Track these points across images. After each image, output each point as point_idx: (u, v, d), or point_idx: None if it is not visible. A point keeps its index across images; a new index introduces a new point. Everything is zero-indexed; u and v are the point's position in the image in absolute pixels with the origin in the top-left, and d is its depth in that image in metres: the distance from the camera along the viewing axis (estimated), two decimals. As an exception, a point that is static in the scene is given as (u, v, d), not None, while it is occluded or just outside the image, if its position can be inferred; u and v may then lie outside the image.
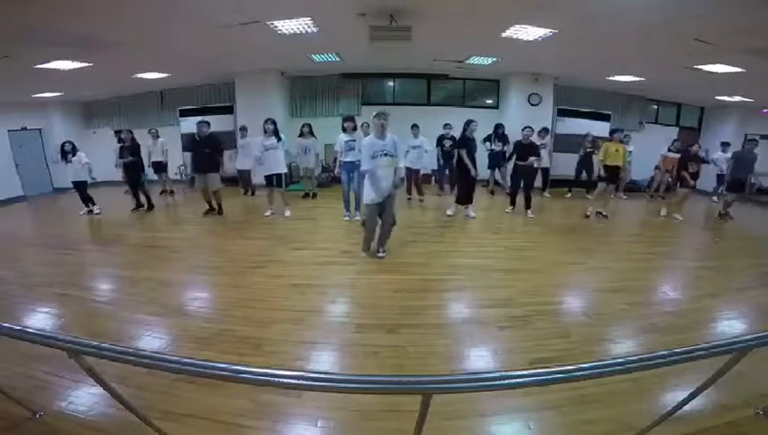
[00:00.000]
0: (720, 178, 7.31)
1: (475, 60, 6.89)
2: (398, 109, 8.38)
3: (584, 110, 8.26)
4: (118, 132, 7.77)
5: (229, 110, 8.27)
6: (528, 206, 5.97)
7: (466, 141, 5.45)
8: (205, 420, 1.83)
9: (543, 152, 7.43)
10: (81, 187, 6.23)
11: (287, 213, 5.82)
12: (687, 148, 6.08)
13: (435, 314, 2.92)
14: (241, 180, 7.85)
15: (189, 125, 7.84)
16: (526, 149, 5.81)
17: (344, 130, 5.28)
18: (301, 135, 6.58)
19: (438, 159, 7.17)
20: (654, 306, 3.11)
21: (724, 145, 7.38)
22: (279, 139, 5.53)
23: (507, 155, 6.64)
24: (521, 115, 7.64)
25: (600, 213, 5.86)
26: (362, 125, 5.92)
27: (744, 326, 2.83)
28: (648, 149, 7.97)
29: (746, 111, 8.36)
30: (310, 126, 6.58)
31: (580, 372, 1.08)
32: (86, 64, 5.64)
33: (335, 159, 5.54)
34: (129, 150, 6.26)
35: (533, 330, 2.68)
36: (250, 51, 5.97)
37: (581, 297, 3.34)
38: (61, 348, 1.22)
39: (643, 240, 5.15)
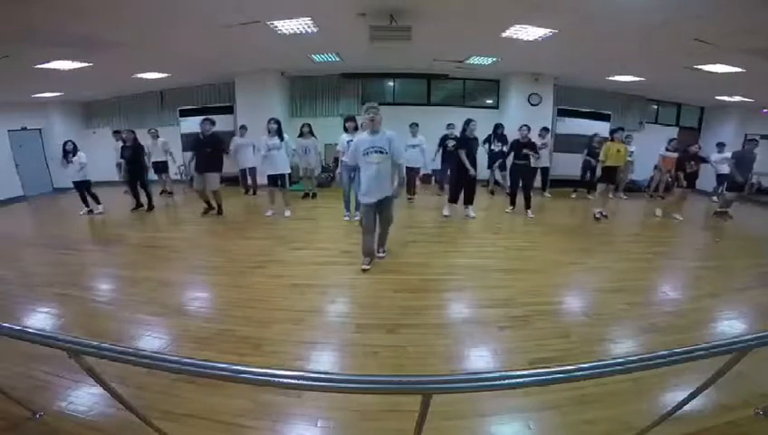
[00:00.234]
0: (720, 178, 7.30)
1: (475, 60, 6.89)
2: (398, 109, 8.39)
3: (584, 110, 8.26)
4: (117, 132, 7.79)
5: (229, 110, 8.27)
6: (528, 206, 5.97)
7: (466, 141, 5.45)
8: (205, 420, 1.83)
9: (544, 152, 7.46)
10: (82, 186, 6.24)
11: (287, 213, 5.82)
12: (686, 147, 6.08)
13: (435, 314, 2.92)
14: (241, 180, 7.87)
15: (189, 125, 7.87)
16: (524, 147, 5.83)
17: (346, 130, 5.27)
18: (301, 135, 6.58)
19: (441, 159, 7.16)
20: (654, 306, 3.11)
21: (720, 146, 7.39)
22: (282, 139, 5.53)
23: (506, 154, 6.63)
24: (521, 115, 7.63)
25: (601, 213, 5.86)
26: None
27: (744, 326, 2.83)
28: (648, 150, 7.97)
29: (746, 111, 8.36)
30: (310, 126, 6.58)
31: (580, 372, 1.08)
32: (86, 64, 5.64)
33: (335, 158, 5.53)
34: (132, 150, 6.25)
35: (533, 330, 2.68)
36: (250, 51, 5.97)
37: (581, 297, 3.34)
38: (61, 348, 1.22)
39: (643, 240, 5.15)
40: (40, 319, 2.91)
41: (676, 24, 3.96)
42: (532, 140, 6.03)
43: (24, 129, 8.54)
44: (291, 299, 3.15)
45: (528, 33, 4.91)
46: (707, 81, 6.28)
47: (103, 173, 7.46)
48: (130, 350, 1.22)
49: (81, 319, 2.91)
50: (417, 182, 7.18)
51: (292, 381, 1.07)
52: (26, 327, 1.43)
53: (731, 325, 2.84)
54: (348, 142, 5.22)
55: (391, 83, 8.90)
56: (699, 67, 5.59)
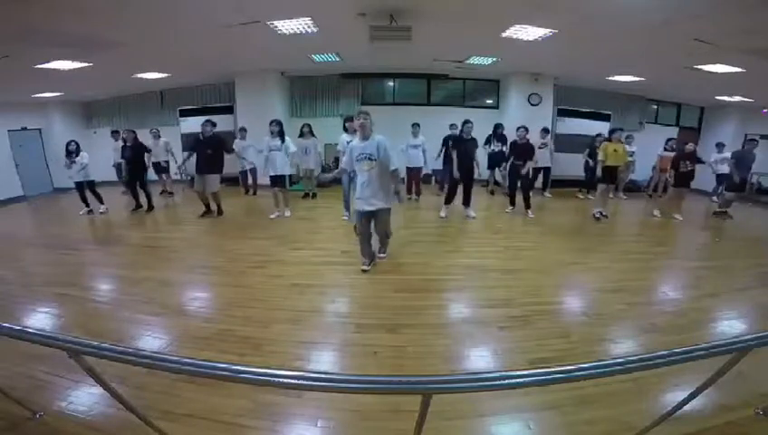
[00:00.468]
0: (720, 178, 7.30)
1: (475, 60, 6.89)
2: (398, 109, 8.41)
3: (584, 110, 8.27)
4: (115, 132, 7.79)
5: (229, 110, 8.28)
6: (527, 206, 5.97)
7: (460, 142, 5.48)
8: (205, 420, 1.83)
9: (545, 151, 7.46)
10: (84, 186, 6.23)
11: (287, 213, 5.83)
12: (682, 146, 6.10)
13: (435, 314, 2.92)
14: (241, 180, 7.87)
15: (189, 125, 7.88)
16: (521, 148, 5.86)
17: (346, 130, 5.27)
18: (301, 135, 6.58)
19: (443, 160, 7.15)
20: (654, 306, 3.11)
21: (720, 146, 7.39)
22: (283, 141, 5.53)
23: (506, 156, 6.63)
24: (521, 115, 7.63)
25: (601, 213, 5.86)
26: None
27: (744, 326, 2.82)
28: (647, 150, 7.97)
29: (746, 111, 8.36)
30: (310, 126, 6.59)
31: (580, 372, 1.08)
32: (86, 64, 5.64)
33: (335, 158, 5.53)
34: (132, 150, 6.25)
35: (533, 330, 2.68)
36: (250, 51, 5.97)
37: (581, 297, 3.33)
38: (61, 348, 1.22)
39: (643, 240, 5.15)
40: (40, 319, 2.91)
41: (676, 24, 3.96)
42: (531, 141, 6.03)
43: (24, 129, 8.54)
44: (291, 299, 3.15)
45: (528, 33, 4.91)
46: (707, 81, 6.28)
47: (103, 173, 7.45)
48: (130, 350, 1.22)
49: (81, 319, 2.91)
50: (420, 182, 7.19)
51: (292, 381, 1.07)
52: (26, 327, 1.43)
53: (731, 325, 2.84)
54: (348, 143, 5.24)
55: (391, 83, 8.90)
56: (699, 67, 5.60)
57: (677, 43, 4.61)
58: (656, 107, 9.42)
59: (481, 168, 6.33)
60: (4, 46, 4.36)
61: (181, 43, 5.19)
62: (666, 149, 7.43)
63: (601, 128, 7.71)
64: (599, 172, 5.76)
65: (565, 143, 8.02)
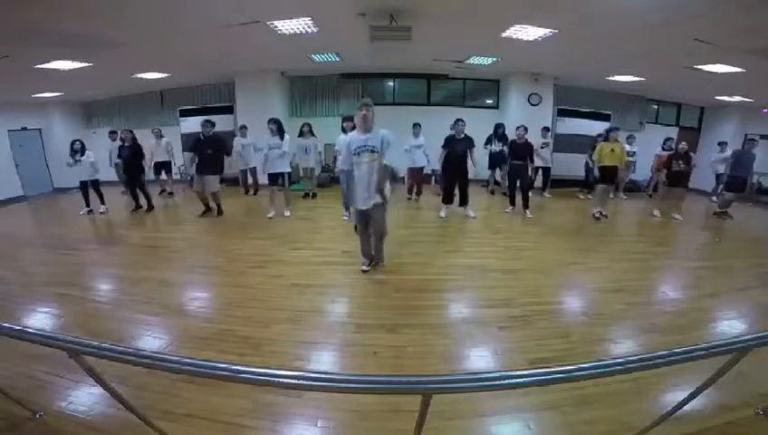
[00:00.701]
0: (719, 177, 7.30)
1: (474, 60, 6.89)
2: (398, 109, 8.40)
3: (584, 110, 8.26)
4: (113, 132, 7.78)
5: (229, 110, 8.28)
6: (526, 206, 5.97)
7: (451, 142, 5.50)
8: (205, 420, 1.83)
9: (546, 151, 7.46)
10: (88, 185, 6.22)
11: (287, 213, 5.82)
12: (676, 145, 6.12)
13: (435, 314, 2.92)
14: (242, 180, 7.87)
15: (189, 125, 7.88)
16: (520, 148, 5.86)
17: (344, 130, 5.27)
18: (301, 135, 6.58)
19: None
20: (654, 306, 3.11)
21: (722, 145, 7.38)
22: (283, 138, 5.52)
23: (507, 155, 6.63)
24: (521, 115, 7.63)
25: (600, 212, 5.86)
26: (356, 123, 5.90)
27: (744, 326, 2.83)
28: (647, 150, 7.97)
29: (746, 111, 8.36)
30: (310, 126, 6.58)
31: (580, 372, 1.08)
32: (86, 64, 5.64)
33: (335, 158, 5.53)
34: (130, 150, 6.24)
35: (533, 330, 2.68)
36: (250, 51, 5.97)
37: (581, 297, 3.33)
38: (61, 348, 1.22)
39: (643, 240, 5.15)
40: (40, 319, 2.91)
41: (676, 24, 3.95)
42: (530, 141, 6.03)
43: (24, 129, 8.54)
44: (291, 299, 3.15)
45: (528, 33, 4.91)
46: (707, 81, 6.28)
47: (103, 173, 7.43)
48: (130, 350, 1.22)
49: (80, 319, 2.91)
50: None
51: (292, 381, 1.07)
52: (26, 327, 1.43)
53: (731, 325, 2.84)
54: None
55: (391, 83, 8.90)
56: (699, 67, 5.59)
57: (677, 44, 4.61)
58: (656, 107, 9.42)
59: (480, 167, 6.33)
60: (4, 46, 4.36)
61: (181, 43, 5.19)
62: (663, 149, 7.43)
63: (601, 128, 7.68)
64: (596, 173, 5.78)
65: (565, 143, 8.03)
